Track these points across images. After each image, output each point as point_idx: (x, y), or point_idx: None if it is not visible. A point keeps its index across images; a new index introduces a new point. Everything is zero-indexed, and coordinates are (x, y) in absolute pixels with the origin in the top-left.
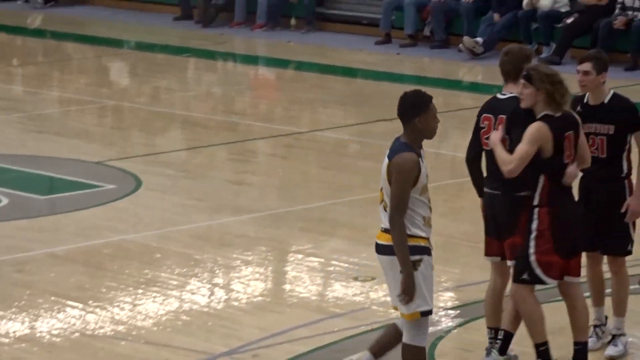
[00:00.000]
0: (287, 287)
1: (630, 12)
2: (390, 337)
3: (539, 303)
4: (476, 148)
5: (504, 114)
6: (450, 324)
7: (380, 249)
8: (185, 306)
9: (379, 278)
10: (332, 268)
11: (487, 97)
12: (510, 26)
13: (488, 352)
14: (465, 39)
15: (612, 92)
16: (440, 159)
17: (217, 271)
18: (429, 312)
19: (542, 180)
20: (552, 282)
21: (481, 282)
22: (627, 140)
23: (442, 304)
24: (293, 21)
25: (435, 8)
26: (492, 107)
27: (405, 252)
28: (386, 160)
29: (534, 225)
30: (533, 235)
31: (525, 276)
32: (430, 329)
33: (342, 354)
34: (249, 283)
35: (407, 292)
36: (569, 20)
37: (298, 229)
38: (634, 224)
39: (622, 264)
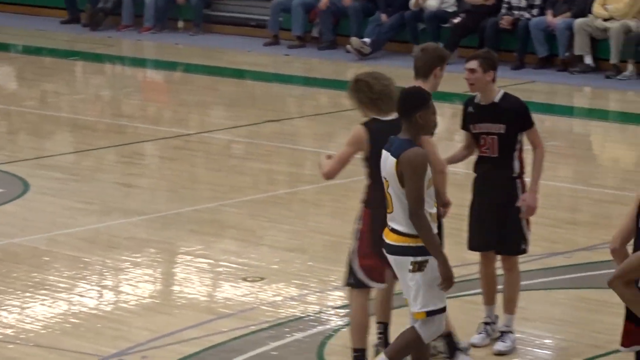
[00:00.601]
0: (177, 288)
1: (516, 12)
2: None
3: (367, 310)
4: None
5: None
6: (339, 322)
7: (390, 249)
8: (74, 309)
9: (268, 278)
10: (221, 269)
11: None
12: (397, 27)
13: (377, 351)
14: (353, 39)
15: (502, 91)
16: None
17: (105, 273)
18: (437, 312)
19: (367, 180)
20: (378, 286)
21: None
22: (518, 139)
23: (331, 303)
24: (181, 23)
25: (323, 9)
26: None
27: (435, 242)
28: (392, 160)
29: (358, 226)
30: (356, 236)
31: (350, 280)
32: (320, 328)
33: (231, 354)
34: (138, 285)
35: (447, 280)
36: (456, 20)
37: (187, 230)
38: (528, 222)
39: (515, 262)
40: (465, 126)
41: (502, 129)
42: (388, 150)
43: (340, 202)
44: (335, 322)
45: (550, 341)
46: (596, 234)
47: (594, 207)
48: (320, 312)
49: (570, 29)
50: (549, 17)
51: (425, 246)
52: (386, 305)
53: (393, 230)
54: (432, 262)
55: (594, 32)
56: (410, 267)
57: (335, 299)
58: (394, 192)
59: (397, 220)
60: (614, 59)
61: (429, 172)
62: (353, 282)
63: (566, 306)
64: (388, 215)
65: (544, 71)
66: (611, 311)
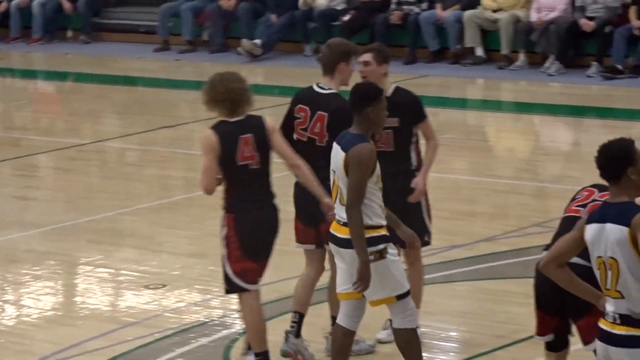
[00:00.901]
0: (79, 299)
1: (405, 7)
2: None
3: (259, 311)
4: (287, 135)
5: (323, 110)
6: (244, 326)
7: (342, 243)
8: None
9: (170, 285)
10: (122, 278)
11: (269, 98)
12: (287, 26)
13: (286, 338)
14: (244, 41)
15: (394, 85)
16: None
17: (6, 287)
18: (406, 294)
19: (224, 185)
20: (254, 287)
21: (271, 283)
22: (413, 132)
23: (234, 307)
24: (70, 33)
25: (212, 13)
26: (311, 100)
27: (363, 241)
28: (341, 154)
29: (224, 232)
30: (224, 243)
31: (227, 286)
32: (225, 332)
33: None
34: (39, 298)
35: (364, 280)
36: (346, 18)
37: (86, 240)
38: (429, 214)
39: (418, 256)
40: None
41: (396, 123)
42: (338, 144)
43: None
44: (240, 325)
45: (455, 333)
46: (495, 224)
47: (492, 198)
48: (224, 316)
49: (460, 22)
50: (438, 11)
51: (352, 240)
52: (306, 296)
53: (346, 224)
54: (391, 246)
55: (483, 23)
56: (372, 258)
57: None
58: (344, 185)
59: None
60: (505, 50)
61: (378, 169)
62: (229, 288)
63: (468, 298)
64: (338, 209)
65: (436, 65)
66: (513, 301)
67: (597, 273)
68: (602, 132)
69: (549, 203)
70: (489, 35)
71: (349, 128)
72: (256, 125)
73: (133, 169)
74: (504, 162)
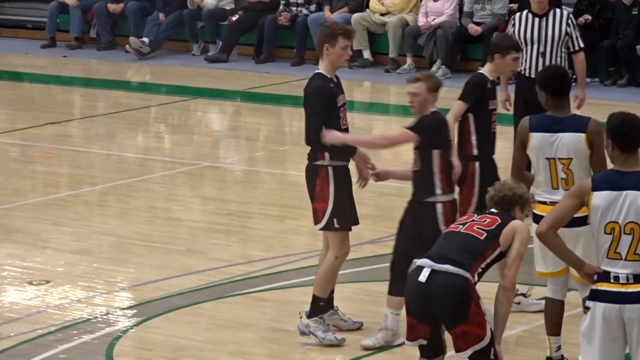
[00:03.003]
0: None
1: (294, 8)
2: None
3: None
4: None
5: (304, 90)
6: (127, 323)
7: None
8: None
9: (54, 281)
10: (5, 273)
11: (156, 97)
12: (175, 25)
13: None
14: (132, 39)
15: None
16: (111, 160)
17: None
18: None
19: None
20: None
21: (156, 281)
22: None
23: (118, 304)
24: None
25: (100, 10)
26: None
27: None
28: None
29: None
30: None
31: None
32: (108, 330)
33: (19, 359)
34: None
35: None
36: (234, 18)
37: None
38: None
39: None
40: None
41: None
42: None
43: (123, 203)
44: (124, 322)
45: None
46: (380, 226)
47: (377, 201)
48: (107, 313)
49: (348, 24)
50: (326, 13)
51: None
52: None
53: None
54: None
55: (371, 26)
56: None
57: (122, 300)
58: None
59: None
60: (392, 53)
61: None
62: None
63: (352, 300)
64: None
65: None
66: None
67: (604, 238)
68: None
69: None
70: (376, 38)
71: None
72: None
73: (19, 165)
74: (390, 162)
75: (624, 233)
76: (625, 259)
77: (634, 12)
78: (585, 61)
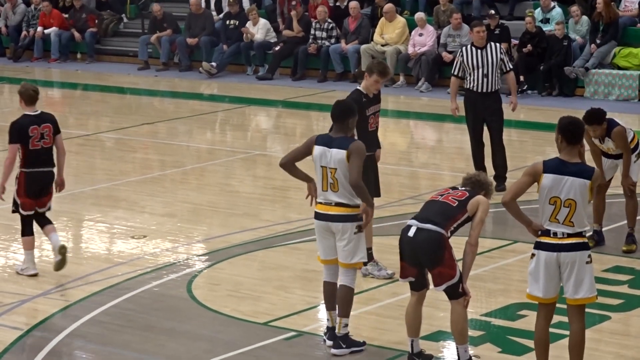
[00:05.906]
0: (84, 245)
1: (319, 41)
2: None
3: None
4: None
5: None
6: (202, 266)
7: (336, 218)
8: None
9: (149, 236)
10: (115, 230)
11: (221, 104)
12: (235, 53)
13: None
14: (204, 64)
15: None
16: (190, 149)
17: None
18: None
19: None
20: None
21: (222, 235)
22: None
23: (195, 252)
24: (79, 55)
25: (181, 43)
26: None
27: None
28: (342, 151)
29: None
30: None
31: None
32: (188, 270)
33: (124, 292)
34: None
35: (366, 223)
36: (277, 48)
37: (89, 204)
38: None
39: None
40: None
41: None
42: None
43: (198, 180)
44: (199, 265)
45: None
46: (381, 197)
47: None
48: (187, 259)
49: (358, 52)
50: (342, 44)
51: (366, 202)
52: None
53: (338, 205)
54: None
55: (374, 54)
56: (355, 230)
57: (197, 249)
58: (344, 174)
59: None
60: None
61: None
62: None
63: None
64: (332, 195)
65: (341, 83)
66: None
67: (549, 207)
68: (457, 133)
69: (419, 183)
70: None
71: (345, 117)
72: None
73: (123, 153)
74: (388, 152)
75: (564, 206)
76: (562, 224)
77: (564, 43)
78: (515, 77)
